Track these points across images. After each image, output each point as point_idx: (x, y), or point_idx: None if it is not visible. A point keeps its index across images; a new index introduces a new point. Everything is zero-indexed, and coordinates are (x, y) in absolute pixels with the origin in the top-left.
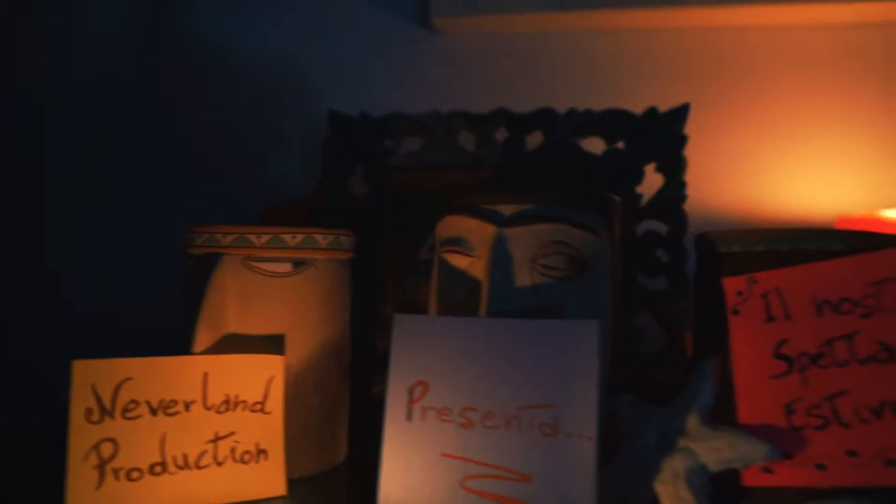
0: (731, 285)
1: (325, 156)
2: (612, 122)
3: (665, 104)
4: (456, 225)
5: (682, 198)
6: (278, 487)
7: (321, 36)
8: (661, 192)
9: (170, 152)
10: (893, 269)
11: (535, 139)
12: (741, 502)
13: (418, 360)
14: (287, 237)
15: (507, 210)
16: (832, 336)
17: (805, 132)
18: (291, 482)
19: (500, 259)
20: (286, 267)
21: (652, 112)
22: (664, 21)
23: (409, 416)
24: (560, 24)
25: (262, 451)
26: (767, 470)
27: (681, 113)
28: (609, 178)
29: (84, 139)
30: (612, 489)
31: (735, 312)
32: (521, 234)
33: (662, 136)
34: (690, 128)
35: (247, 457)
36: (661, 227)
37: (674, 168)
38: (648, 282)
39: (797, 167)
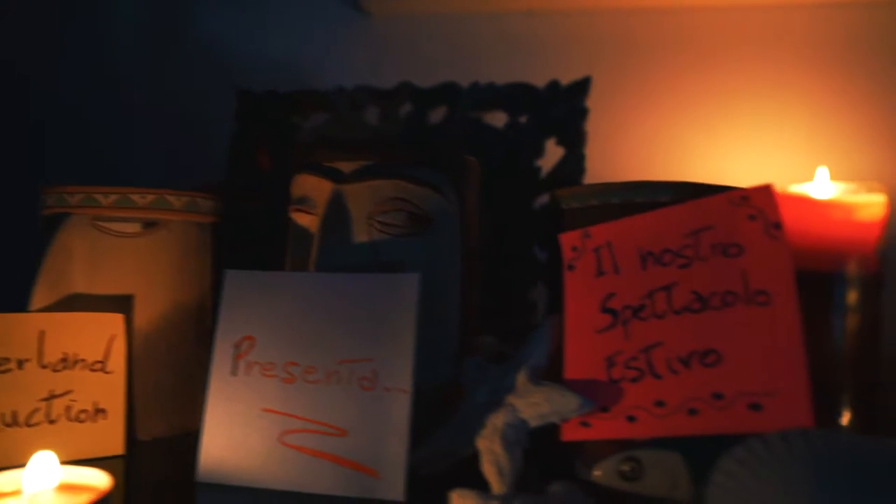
0: (567, 241)
1: (234, 133)
2: (514, 96)
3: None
4: (302, 184)
5: (581, 171)
6: (116, 447)
7: (249, 16)
8: (559, 165)
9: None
10: (708, 218)
11: (441, 114)
12: (568, 456)
13: (247, 315)
14: (136, 197)
15: (347, 167)
16: (653, 288)
17: (725, 110)
18: (139, 444)
19: (332, 215)
20: (135, 227)
21: (554, 85)
22: (589, 3)
23: (233, 371)
24: (487, 6)
25: (100, 411)
26: (585, 424)
27: (582, 86)
28: (510, 151)
29: None
30: (442, 446)
31: (570, 268)
32: (359, 191)
33: (564, 109)
34: (612, 105)
35: (83, 416)
36: None
37: (574, 141)
38: (545, 255)
39: (718, 144)
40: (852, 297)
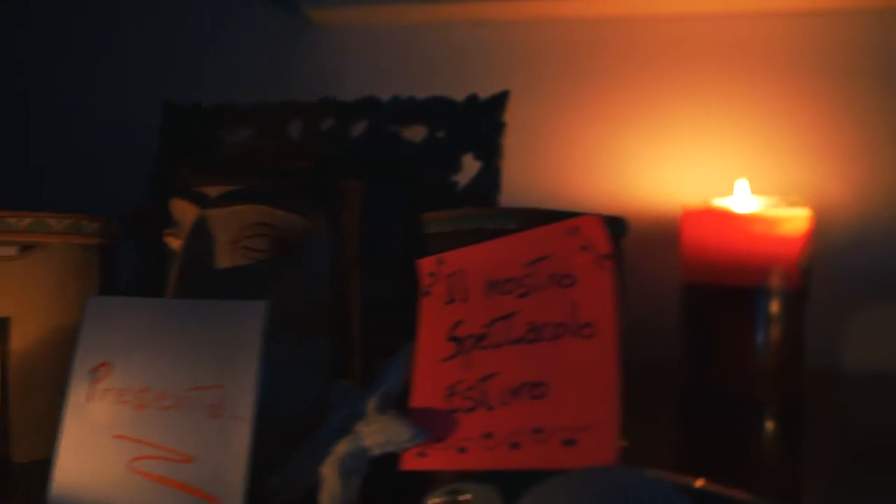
0: (424, 266)
1: (159, 146)
2: (433, 110)
3: (517, 94)
4: (174, 208)
5: (496, 185)
6: None
7: (190, 26)
8: (475, 180)
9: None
10: (547, 247)
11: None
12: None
13: (104, 341)
14: (13, 220)
15: (213, 192)
16: (495, 316)
17: (651, 123)
18: (16, 466)
19: (193, 240)
20: (11, 250)
21: (472, 99)
22: (523, 12)
23: (89, 397)
24: (432, 16)
25: None
26: (422, 454)
27: (500, 100)
28: (427, 166)
29: None
30: (293, 472)
31: (426, 293)
32: (224, 216)
33: (481, 123)
34: (538, 118)
35: None
36: None
37: (490, 156)
38: None
39: (647, 156)
40: (774, 311)
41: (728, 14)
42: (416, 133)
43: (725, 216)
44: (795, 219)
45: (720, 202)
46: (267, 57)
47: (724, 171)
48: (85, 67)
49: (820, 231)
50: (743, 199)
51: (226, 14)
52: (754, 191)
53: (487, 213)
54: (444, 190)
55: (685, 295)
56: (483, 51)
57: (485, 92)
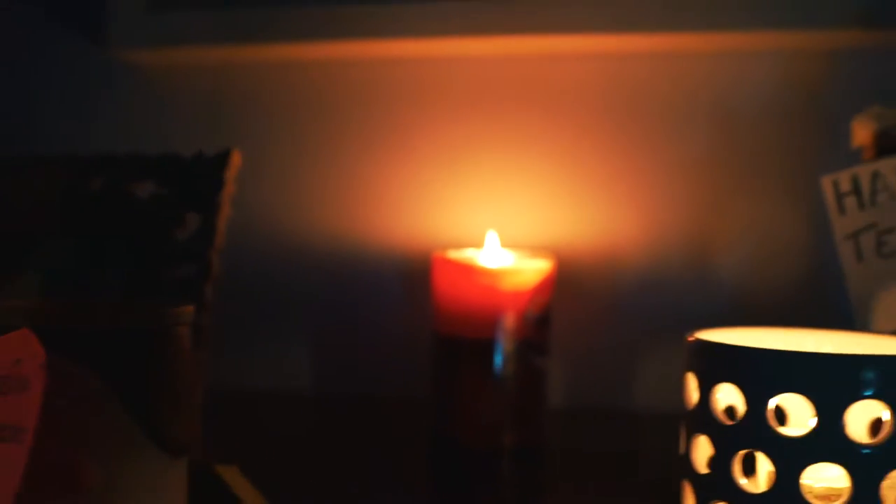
0: None
1: None
2: (163, 167)
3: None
4: None
5: (210, 243)
6: None
7: None
8: (194, 237)
9: None
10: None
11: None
12: None
13: None
14: None
15: None
16: None
17: (436, 164)
18: None
19: None
20: None
21: (199, 156)
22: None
23: None
24: (234, 58)
25: None
26: None
27: (224, 157)
28: (153, 223)
29: None
30: None
31: None
32: None
33: (204, 180)
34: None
35: None
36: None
37: (210, 212)
38: None
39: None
40: (509, 361)
41: (509, 56)
42: (146, 189)
43: (461, 267)
44: (527, 271)
45: (463, 252)
46: (76, 96)
47: (507, 215)
48: None
49: (612, 273)
50: (490, 250)
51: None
52: (548, 234)
53: None
54: (167, 246)
55: (432, 344)
56: (278, 92)
57: (276, 133)
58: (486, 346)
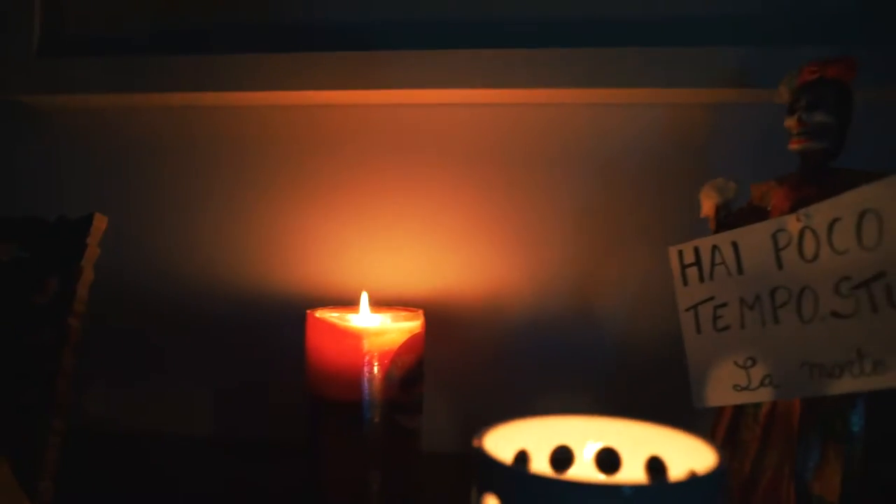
0: None
1: None
2: (26, 230)
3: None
4: None
5: (70, 308)
6: None
7: None
8: (53, 301)
9: None
10: None
11: None
12: None
13: None
14: None
15: None
16: None
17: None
18: None
19: None
20: None
21: (61, 220)
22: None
23: None
24: (143, 103)
25: None
26: None
27: (87, 221)
28: (13, 287)
29: None
30: None
31: None
32: None
33: (67, 244)
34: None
35: None
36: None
37: (69, 277)
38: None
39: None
40: (374, 422)
41: (391, 104)
42: (7, 252)
43: (328, 326)
44: (391, 331)
45: (335, 311)
46: None
47: (390, 265)
48: None
49: (498, 318)
50: (362, 311)
51: None
52: (436, 282)
53: None
54: (26, 311)
55: (304, 401)
56: (172, 136)
57: (170, 176)
58: (351, 407)
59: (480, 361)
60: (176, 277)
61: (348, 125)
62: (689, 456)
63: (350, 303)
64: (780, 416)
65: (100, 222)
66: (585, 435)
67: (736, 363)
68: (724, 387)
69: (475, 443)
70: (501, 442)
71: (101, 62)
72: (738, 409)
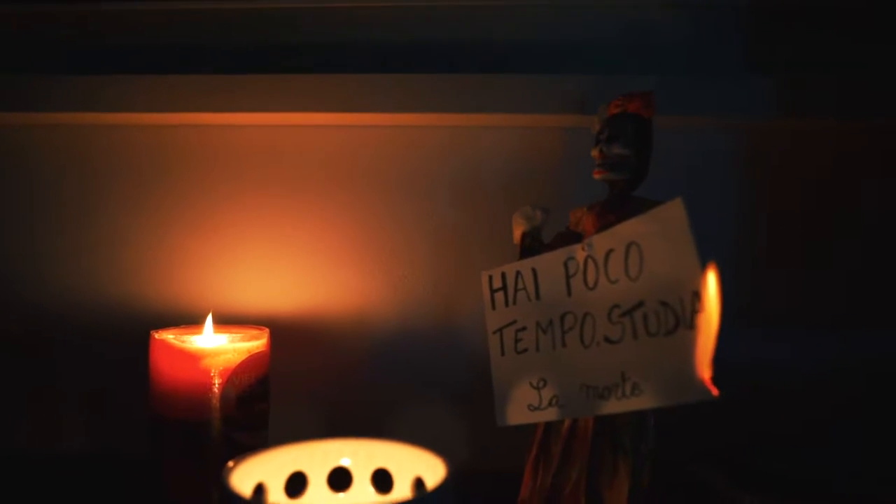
0: None
1: None
2: None
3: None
4: None
5: None
6: None
7: None
8: None
9: None
10: None
11: None
12: None
13: None
14: None
15: None
16: None
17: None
18: None
19: None
20: None
21: None
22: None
23: None
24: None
25: None
26: None
27: None
28: None
29: None
30: None
31: None
32: None
33: None
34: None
35: None
36: None
37: None
38: None
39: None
40: (213, 440)
41: (257, 125)
42: None
43: (168, 347)
44: (229, 352)
45: (171, 334)
46: None
47: (252, 280)
48: None
49: (364, 332)
50: (206, 331)
51: None
52: (303, 297)
53: None
54: None
55: (147, 419)
56: (39, 154)
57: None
58: (190, 425)
59: (340, 377)
60: (32, 296)
61: (211, 144)
62: (416, 467)
63: (217, 321)
64: (579, 432)
65: None
66: (320, 458)
67: (531, 384)
68: (520, 406)
69: (222, 476)
70: (247, 477)
71: None
72: (549, 426)
